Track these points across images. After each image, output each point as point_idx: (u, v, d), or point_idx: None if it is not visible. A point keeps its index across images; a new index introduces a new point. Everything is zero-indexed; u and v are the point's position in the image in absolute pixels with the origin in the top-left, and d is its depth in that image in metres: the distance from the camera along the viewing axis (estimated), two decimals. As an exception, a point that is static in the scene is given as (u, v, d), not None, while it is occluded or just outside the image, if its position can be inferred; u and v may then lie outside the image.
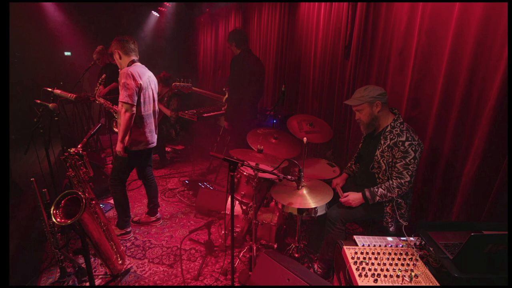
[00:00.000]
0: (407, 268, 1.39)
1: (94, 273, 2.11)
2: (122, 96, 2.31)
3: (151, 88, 2.51)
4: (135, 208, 3.18)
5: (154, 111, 2.58)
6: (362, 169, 2.23)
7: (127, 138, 2.43)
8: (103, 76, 2.95)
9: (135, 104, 2.35)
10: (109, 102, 2.86)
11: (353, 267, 1.40)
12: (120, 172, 2.57)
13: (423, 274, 1.36)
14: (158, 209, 2.95)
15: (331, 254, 1.96)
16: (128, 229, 2.70)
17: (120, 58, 2.45)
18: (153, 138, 2.60)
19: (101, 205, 2.98)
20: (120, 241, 2.40)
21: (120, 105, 2.34)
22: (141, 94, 2.39)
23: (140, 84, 2.35)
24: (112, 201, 3.28)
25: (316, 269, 2.17)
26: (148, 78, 2.46)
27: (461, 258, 1.33)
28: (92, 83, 7.41)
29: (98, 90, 3.00)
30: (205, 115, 4.01)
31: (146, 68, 2.52)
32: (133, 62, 2.44)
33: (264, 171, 1.89)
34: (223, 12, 6.28)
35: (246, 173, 2.31)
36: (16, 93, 5.74)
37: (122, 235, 2.66)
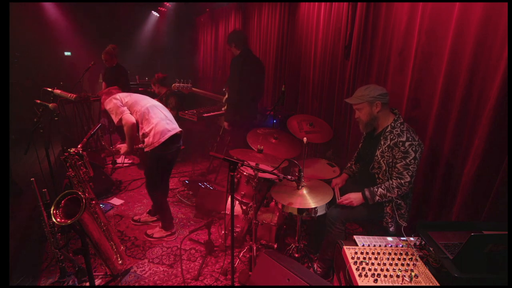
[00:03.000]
0: (407, 268, 1.39)
1: (94, 273, 2.10)
2: (116, 120, 2.41)
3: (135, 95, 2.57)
4: (135, 208, 3.18)
5: (153, 104, 2.52)
6: (362, 169, 2.23)
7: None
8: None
9: (127, 112, 2.41)
10: None
11: (353, 267, 1.40)
12: (152, 174, 2.58)
13: (423, 274, 1.36)
14: None
15: (331, 254, 1.96)
16: (174, 230, 2.71)
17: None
18: (172, 124, 2.51)
19: (101, 205, 2.98)
20: (120, 241, 2.40)
21: (128, 133, 2.43)
22: (124, 102, 2.45)
23: (121, 98, 2.45)
24: (112, 201, 3.29)
25: (316, 269, 2.17)
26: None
27: (461, 258, 1.33)
28: (92, 83, 7.42)
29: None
30: (205, 115, 4.01)
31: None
32: None
33: (264, 171, 1.89)
34: (223, 12, 6.28)
35: (246, 173, 2.31)
36: (16, 93, 5.74)
37: (168, 236, 2.66)
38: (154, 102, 2.59)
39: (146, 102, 2.50)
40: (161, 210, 2.65)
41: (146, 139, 2.42)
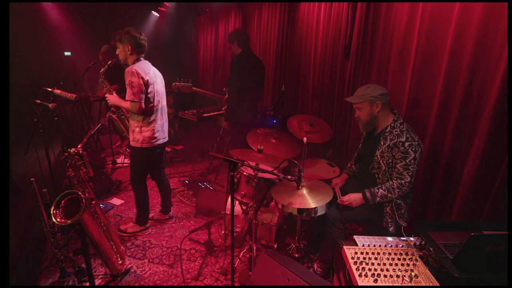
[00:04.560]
0: (407, 268, 1.39)
1: (94, 273, 2.11)
2: (128, 94, 2.32)
3: (158, 83, 2.49)
4: (133, 208, 3.17)
5: (163, 105, 2.57)
6: (362, 169, 2.23)
7: (138, 136, 2.46)
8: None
9: (142, 100, 2.33)
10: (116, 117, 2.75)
11: (353, 267, 1.40)
12: (137, 170, 2.61)
13: (423, 274, 1.36)
14: (172, 208, 3.00)
15: (331, 254, 1.96)
16: (147, 225, 2.77)
17: (130, 54, 2.40)
18: (163, 133, 2.59)
19: (101, 205, 2.98)
20: (120, 241, 2.40)
21: (128, 103, 2.36)
22: (150, 89, 2.37)
23: (147, 80, 2.34)
24: (112, 201, 3.29)
25: (316, 269, 2.17)
26: (153, 73, 2.46)
27: (461, 258, 1.33)
28: (92, 83, 7.42)
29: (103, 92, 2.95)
30: (205, 115, 4.01)
31: (150, 64, 2.51)
32: (139, 60, 2.42)
33: (264, 171, 1.89)
34: (223, 12, 6.28)
35: (246, 173, 2.31)
36: (16, 93, 5.73)
37: (142, 231, 2.72)
38: (163, 101, 2.59)
39: (158, 102, 2.49)
40: (141, 205, 2.69)
41: (135, 134, 2.46)
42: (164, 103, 2.61)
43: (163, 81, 2.62)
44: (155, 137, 2.50)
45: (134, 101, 2.31)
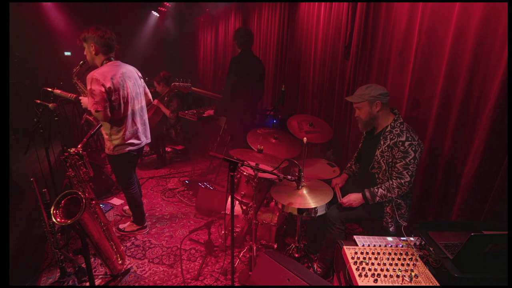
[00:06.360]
0: (407, 268, 1.39)
1: (94, 273, 2.11)
2: (90, 104, 2.13)
3: (127, 86, 2.28)
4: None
5: (136, 109, 2.39)
6: (362, 169, 2.23)
7: (108, 143, 2.36)
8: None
9: (106, 109, 2.16)
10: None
11: (353, 267, 1.40)
12: (119, 176, 2.59)
13: (423, 274, 1.36)
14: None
15: (331, 254, 1.96)
16: (145, 224, 2.76)
17: (95, 54, 2.21)
18: (139, 139, 2.43)
19: (101, 205, 2.98)
20: (120, 241, 2.40)
21: (94, 112, 2.20)
22: (114, 97, 2.19)
23: (109, 87, 2.13)
24: (112, 201, 3.29)
25: (316, 269, 2.17)
26: (121, 75, 2.23)
27: (461, 258, 1.33)
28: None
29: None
30: (205, 115, 4.01)
31: (121, 65, 2.31)
32: (108, 60, 2.25)
33: (264, 171, 1.89)
34: (223, 12, 6.29)
35: (246, 173, 2.31)
36: (16, 93, 5.74)
37: (139, 229, 2.73)
38: (139, 103, 2.43)
39: (127, 108, 2.31)
40: (135, 206, 2.67)
41: (106, 142, 2.36)
42: (141, 104, 2.46)
43: (139, 81, 2.45)
44: (127, 144, 2.35)
45: (98, 111, 2.13)
